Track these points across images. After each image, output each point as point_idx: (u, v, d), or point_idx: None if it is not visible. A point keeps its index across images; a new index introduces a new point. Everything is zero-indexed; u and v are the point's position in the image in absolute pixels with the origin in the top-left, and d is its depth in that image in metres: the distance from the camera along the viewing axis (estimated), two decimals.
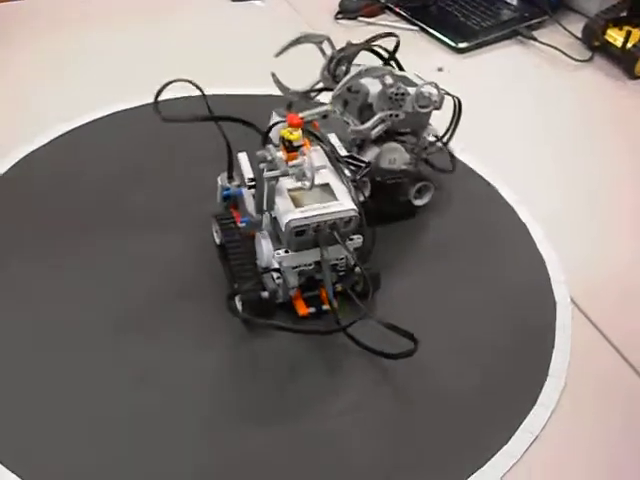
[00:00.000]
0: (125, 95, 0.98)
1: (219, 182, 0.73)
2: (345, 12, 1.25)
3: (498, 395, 0.65)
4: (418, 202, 0.81)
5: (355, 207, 0.64)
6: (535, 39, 1.21)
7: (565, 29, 1.24)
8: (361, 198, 0.66)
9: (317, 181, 0.64)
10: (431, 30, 1.22)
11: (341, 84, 0.71)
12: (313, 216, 0.62)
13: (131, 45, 1.13)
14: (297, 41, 0.77)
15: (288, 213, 0.62)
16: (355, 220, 0.64)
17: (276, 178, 0.62)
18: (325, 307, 0.68)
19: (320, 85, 0.79)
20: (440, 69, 1.12)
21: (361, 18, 1.25)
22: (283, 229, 0.63)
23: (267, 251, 0.66)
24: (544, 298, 0.74)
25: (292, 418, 0.61)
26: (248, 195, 0.70)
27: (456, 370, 0.66)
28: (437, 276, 0.76)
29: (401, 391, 0.64)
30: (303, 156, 0.61)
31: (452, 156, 0.83)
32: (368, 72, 0.71)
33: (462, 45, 1.18)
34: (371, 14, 1.26)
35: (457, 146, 0.86)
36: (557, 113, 1.05)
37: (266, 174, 0.61)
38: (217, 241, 0.74)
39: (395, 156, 0.76)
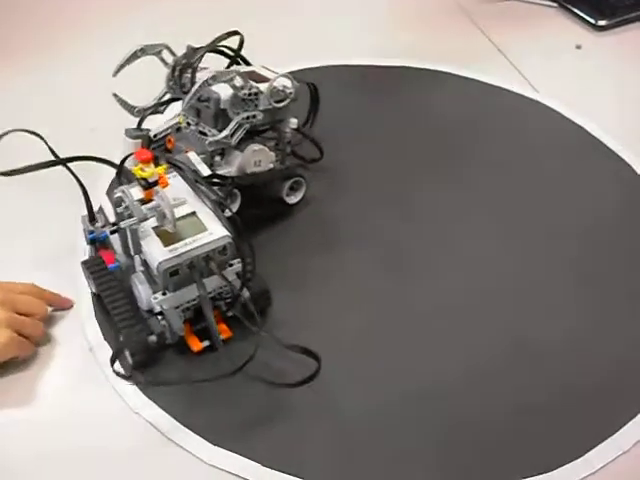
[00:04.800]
0: None
1: (82, 225, 0.68)
2: None
3: None
4: (292, 199, 0.78)
5: (227, 233, 0.61)
6: None
7: None
8: (228, 213, 0.62)
9: (181, 213, 0.60)
10: (570, 6, 1.17)
11: (188, 97, 0.66)
12: (184, 253, 0.59)
13: None
14: (134, 56, 0.72)
15: (157, 255, 0.58)
16: (230, 246, 0.61)
17: (136, 225, 0.58)
18: (221, 337, 0.65)
19: (168, 96, 0.75)
20: (579, 46, 1.09)
21: None
22: (155, 272, 0.59)
23: (145, 295, 0.62)
24: None
25: None
26: (115, 238, 0.66)
27: None
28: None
29: None
30: (158, 196, 0.57)
31: (316, 143, 0.81)
32: (215, 79, 0.67)
33: (601, 23, 1.14)
34: None
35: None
36: None
37: (122, 224, 0.57)
38: (92, 289, 0.69)
39: (260, 157, 0.72)
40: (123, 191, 0.59)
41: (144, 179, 0.58)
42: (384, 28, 1.15)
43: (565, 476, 0.57)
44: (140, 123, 0.74)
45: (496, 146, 0.89)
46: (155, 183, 0.58)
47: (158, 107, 0.75)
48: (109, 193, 0.64)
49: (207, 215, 0.62)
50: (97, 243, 0.69)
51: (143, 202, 0.59)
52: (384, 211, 0.80)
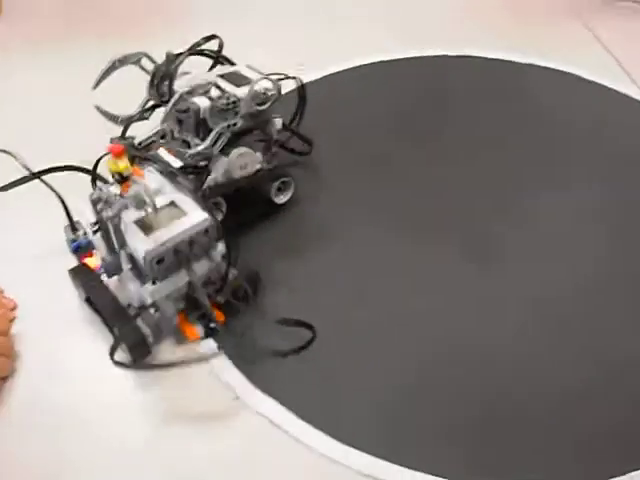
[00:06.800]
0: None
1: (65, 236, 0.69)
2: None
3: None
4: (281, 199, 0.79)
5: (207, 216, 0.62)
6: None
7: None
8: (219, 217, 0.63)
9: (160, 203, 0.61)
10: None
11: (167, 110, 0.67)
12: (168, 240, 0.60)
13: None
14: (113, 67, 0.72)
15: (142, 245, 0.59)
16: (212, 228, 0.62)
17: (117, 215, 0.59)
18: (213, 325, 0.66)
19: (151, 103, 0.75)
20: None
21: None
22: (142, 263, 0.60)
23: (135, 290, 0.63)
24: None
25: None
26: (98, 240, 0.66)
27: None
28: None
29: None
30: (135, 184, 0.58)
31: (304, 139, 0.82)
32: (191, 93, 0.68)
33: None
34: None
35: None
36: None
37: (105, 214, 0.58)
38: (82, 296, 0.70)
39: (245, 160, 0.73)
40: (100, 188, 0.60)
41: (119, 173, 0.59)
42: (499, 23, 1.17)
43: None
44: (124, 132, 0.74)
45: (596, 145, 0.89)
46: (129, 177, 0.59)
47: (143, 114, 0.75)
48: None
49: (185, 202, 0.63)
50: (81, 251, 0.70)
51: (121, 196, 0.60)
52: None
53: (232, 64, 0.78)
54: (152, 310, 0.63)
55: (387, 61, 1.06)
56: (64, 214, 0.70)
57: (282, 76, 0.75)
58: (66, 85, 0.97)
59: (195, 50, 0.73)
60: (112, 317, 0.64)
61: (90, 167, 0.68)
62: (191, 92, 0.67)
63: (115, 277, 0.66)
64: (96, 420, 0.61)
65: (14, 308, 0.68)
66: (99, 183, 0.60)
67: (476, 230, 0.77)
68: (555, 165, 0.85)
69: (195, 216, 0.61)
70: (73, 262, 0.69)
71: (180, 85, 0.70)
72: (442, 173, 0.84)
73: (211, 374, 0.63)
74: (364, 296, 0.70)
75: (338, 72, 1.03)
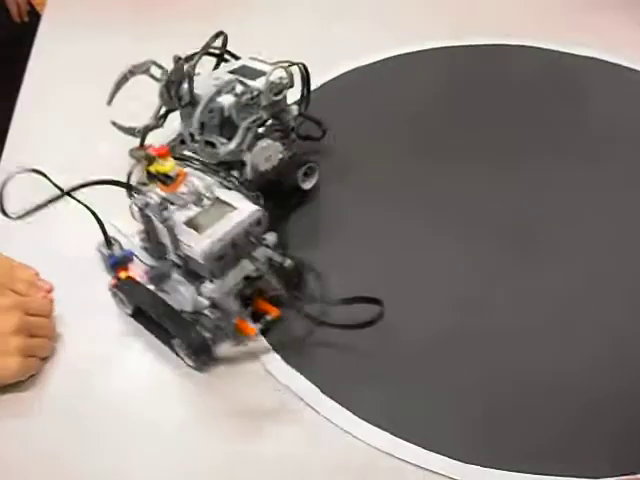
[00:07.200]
0: None
1: (102, 252, 0.67)
2: None
3: None
4: (307, 185, 0.79)
5: (257, 207, 0.61)
6: None
7: None
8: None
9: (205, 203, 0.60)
10: None
11: (198, 114, 0.67)
12: (224, 234, 0.59)
13: None
14: (124, 79, 0.72)
15: (200, 244, 0.58)
16: (264, 218, 0.61)
17: (170, 217, 0.58)
18: (269, 317, 0.65)
19: (163, 110, 0.74)
20: None
21: None
22: (202, 261, 0.58)
23: (190, 294, 0.61)
24: None
25: None
26: (141, 250, 0.65)
27: None
28: None
29: None
30: (188, 179, 0.57)
31: (318, 122, 0.82)
32: (219, 93, 0.68)
33: None
34: None
35: None
36: None
37: (160, 217, 0.57)
38: (128, 311, 0.68)
39: (269, 153, 0.72)
40: (145, 192, 0.58)
41: (164, 174, 0.58)
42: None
43: None
44: (142, 142, 0.72)
45: None
46: (175, 177, 0.58)
47: (158, 122, 0.74)
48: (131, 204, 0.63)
49: (230, 197, 0.62)
50: (118, 265, 0.68)
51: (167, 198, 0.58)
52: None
53: (237, 58, 0.77)
54: (210, 312, 0.62)
55: (438, 48, 1.06)
56: (87, 229, 0.68)
57: (287, 64, 0.74)
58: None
59: (207, 51, 0.73)
60: (173, 326, 0.62)
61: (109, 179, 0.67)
62: (219, 92, 0.66)
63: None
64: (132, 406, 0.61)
65: (51, 290, 0.69)
66: (144, 188, 0.59)
67: (516, 227, 0.77)
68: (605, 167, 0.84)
69: (246, 208, 0.61)
70: (104, 278, 0.68)
71: (198, 86, 0.69)
72: (480, 168, 0.84)
73: (265, 372, 0.63)
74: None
75: (395, 56, 1.05)
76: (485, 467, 0.56)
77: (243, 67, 0.74)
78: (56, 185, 0.65)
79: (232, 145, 0.69)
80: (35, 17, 1.26)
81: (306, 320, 0.60)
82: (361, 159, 0.85)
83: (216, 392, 0.62)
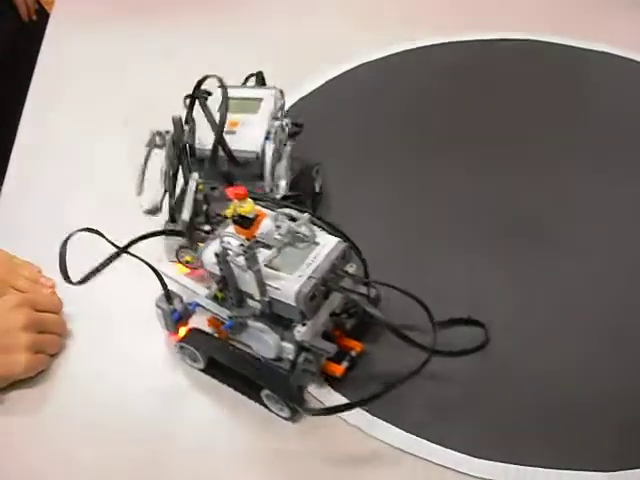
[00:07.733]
0: None
1: (162, 307, 0.62)
2: None
3: None
4: (318, 187, 0.78)
5: (338, 239, 0.58)
6: None
7: None
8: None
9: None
10: None
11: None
12: (314, 272, 0.55)
13: None
14: (148, 157, 0.67)
15: (290, 285, 0.54)
16: (348, 250, 0.58)
17: (257, 262, 0.54)
18: (354, 353, 0.62)
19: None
20: None
21: None
22: (294, 304, 0.55)
23: (274, 341, 0.58)
24: None
25: None
26: (209, 302, 0.60)
27: None
28: None
29: None
30: (279, 217, 0.54)
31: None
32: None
33: None
34: None
35: None
36: None
37: (247, 264, 0.53)
38: (199, 366, 0.63)
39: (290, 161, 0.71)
40: (223, 237, 0.54)
41: (244, 217, 0.54)
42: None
43: None
44: (172, 218, 0.68)
45: None
46: (256, 218, 0.55)
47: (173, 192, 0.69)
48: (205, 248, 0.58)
49: (309, 230, 0.58)
50: (180, 320, 0.63)
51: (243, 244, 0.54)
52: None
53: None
54: (302, 356, 0.58)
55: (447, 43, 1.03)
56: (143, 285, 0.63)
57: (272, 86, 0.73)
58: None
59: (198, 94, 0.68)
60: (260, 376, 0.58)
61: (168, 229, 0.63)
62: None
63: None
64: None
65: (53, 286, 0.67)
66: (221, 232, 0.54)
67: (516, 224, 0.76)
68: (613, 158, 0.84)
69: (329, 242, 0.57)
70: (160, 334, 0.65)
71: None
72: (492, 154, 0.84)
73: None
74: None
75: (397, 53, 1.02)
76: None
77: (241, 101, 0.70)
78: (113, 244, 0.60)
79: (284, 185, 0.69)
80: (44, 16, 1.22)
81: (416, 349, 0.56)
82: (361, 159, 0.84)
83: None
